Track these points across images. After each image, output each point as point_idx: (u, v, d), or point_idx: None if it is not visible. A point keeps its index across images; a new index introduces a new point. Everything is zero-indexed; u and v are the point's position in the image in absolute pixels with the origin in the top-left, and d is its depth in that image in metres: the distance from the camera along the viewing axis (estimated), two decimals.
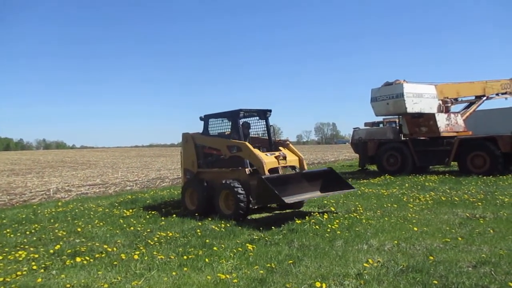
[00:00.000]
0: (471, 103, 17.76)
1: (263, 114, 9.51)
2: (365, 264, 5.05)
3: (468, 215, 7.89)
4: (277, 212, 9.11)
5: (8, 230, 8.07)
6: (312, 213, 8.65)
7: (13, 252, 6.28)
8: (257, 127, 9.84)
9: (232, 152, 8.84)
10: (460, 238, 6.19)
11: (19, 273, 5.27)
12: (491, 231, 6.58)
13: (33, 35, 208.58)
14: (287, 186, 8.25)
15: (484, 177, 13.68)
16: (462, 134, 16.29)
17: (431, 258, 5.22)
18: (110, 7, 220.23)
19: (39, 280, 4.97)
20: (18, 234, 7.82)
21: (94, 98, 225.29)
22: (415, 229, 6.86)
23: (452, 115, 16.53)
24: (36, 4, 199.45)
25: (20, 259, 5.93)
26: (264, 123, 9.64)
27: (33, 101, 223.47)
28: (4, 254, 6.20)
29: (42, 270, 5.41)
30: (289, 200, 7.87)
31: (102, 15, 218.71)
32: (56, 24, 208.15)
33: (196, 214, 8.74)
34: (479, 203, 9.06)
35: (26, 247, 6.71)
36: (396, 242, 6.09)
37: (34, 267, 5.48)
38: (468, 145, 15.39)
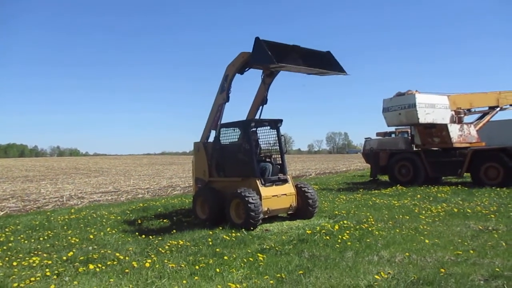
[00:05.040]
0: (484, 114, 17.57)
1: (274, 124, 9.55)
2: (375, 276, 5.03)
3: (480, 227, 7.81)
4: (287, 222, 9.11)
5: (22, 236, 8.21)
6: (322, 224, 8.64)
7: (27, 258, 6.39)
8: (268, 137, 9.88)
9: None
10: (472, 251, 6.13)
11: (32, 279, 5.36)
12: (504, 244, 6.50)
13: (46, 43, 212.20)
14: (283, 54, 8.51)
15: (498, 189, 13.52)
16: (475, 145, 16.12)
17: (443, 270, 5.18)
18: (128, 17, 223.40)
19: (52, 286, 5.06)
20: (32, 240, 7.94)
21: (107, 106, 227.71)
22: (427, 241, 6.81)
23: (465, 126, 16.38)
24: (52, 14, 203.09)
25: (34, 265, 6.03)
26: (275, 133, 9.68)
27: (48, 109, 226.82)
28: (19, 260, 6.31)
29: (55, 277, 5.49)
30: (279, 63, 8.20)
31: (112, 23, 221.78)
32: (67, 32, 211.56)
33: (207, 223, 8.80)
34: (492, 215, 8.96)
35: (40, 253, 6.82)
36: (407, 254, 6.06)
37: (48, 274, 5.57)
38: (482, 156, 15.23)
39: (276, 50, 8.38)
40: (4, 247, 7.24)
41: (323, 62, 9.26)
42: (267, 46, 8.23)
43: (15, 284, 5.12)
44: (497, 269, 5.19)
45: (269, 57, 8.06)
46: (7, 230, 8.94)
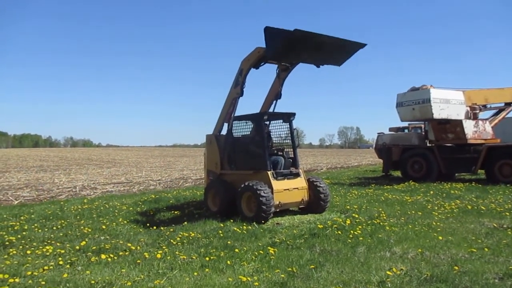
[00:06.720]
0: (500, 110, 17.28)
1: (287, 118, 9.50)
2: (388, 272, 4.98)
3: (495, 225, 7.69)
4: (299, 216, 9.08)
5: (36, 225, 8.30)
6: (334, 218, 8.60)
7: (40, 247, 6.46)
8: (280, 131, 9.84)
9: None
10: (486, 249, 6.04)
11: (46, 267, 5.42)
12: None
13: (59, 32, 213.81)
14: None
15: None
16: (490, 142, 15.87)
17: (456, 268, 5.11)
18: (142, 6, 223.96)
19: (65, 275, 5.10)
20: (46, 229, 8.03)
21: (120, 97, 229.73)
22: (440, 237, 6.72)
23: (480, 122, 16.13)
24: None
25: (47, 254, 6.10)
26: (288, 126, 9.63)
27: (61, 99, 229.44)
28: (32, 249, 6.38)
29: (68, 266, 5.54)
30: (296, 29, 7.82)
31: (126, 13, 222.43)
32: (80, 22, 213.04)
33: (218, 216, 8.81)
34: (507, 213, 8.82)
35: (53, 242, 6.90)
36: (420, 250, 5.99)
37: (61, 263, 5.62)
38: (496, 153, 14.99)
39: None
40: (19, 236, 7.32)
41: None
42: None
43: (29, 272, 5.17)
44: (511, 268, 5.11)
45: (285, 31, 7.89)
46: (21, 218, 9.06)
